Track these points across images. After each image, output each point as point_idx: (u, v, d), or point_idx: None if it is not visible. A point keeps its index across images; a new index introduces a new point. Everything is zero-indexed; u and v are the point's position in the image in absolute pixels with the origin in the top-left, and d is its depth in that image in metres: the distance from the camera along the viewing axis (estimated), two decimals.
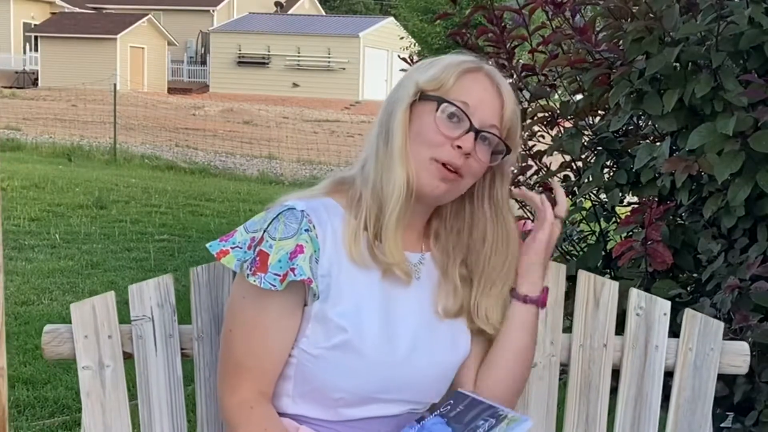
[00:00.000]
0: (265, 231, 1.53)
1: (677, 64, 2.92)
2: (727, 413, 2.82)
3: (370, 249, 1.56)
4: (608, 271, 3.44)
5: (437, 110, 1.55)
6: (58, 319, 5.38)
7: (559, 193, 1.76)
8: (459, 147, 1.54)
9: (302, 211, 1.54)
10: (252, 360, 1.54)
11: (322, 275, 1.53)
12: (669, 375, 1.95)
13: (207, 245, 1.59)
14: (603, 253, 3.39)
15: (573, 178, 3.58)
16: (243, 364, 1.54)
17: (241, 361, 1.54)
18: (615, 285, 1.93)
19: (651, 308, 1.93)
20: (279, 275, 1.50)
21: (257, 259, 1.51)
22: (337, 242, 1.55)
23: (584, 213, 3.55)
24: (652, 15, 2.89)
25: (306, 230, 1.53)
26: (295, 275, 1.49)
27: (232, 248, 1.55)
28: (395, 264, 1.56)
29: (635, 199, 3.28)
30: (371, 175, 1.57)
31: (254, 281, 1.50)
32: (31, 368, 4.46)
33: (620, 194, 3.29)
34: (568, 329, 1.94)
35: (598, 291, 1.93)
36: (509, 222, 1.68)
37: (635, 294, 1.94)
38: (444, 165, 1.55)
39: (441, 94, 1.56)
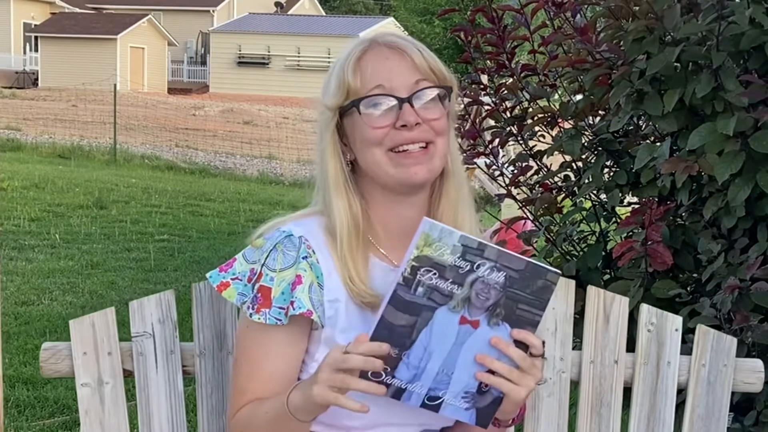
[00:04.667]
0: (263, 264, 1.51)
1: (678, 64, 2.91)
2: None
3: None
4: (608, 271, 3.44)
5: (359, 113, 1.50)
6: (58, 319, 5.38)
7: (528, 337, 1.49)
8: (403, 126, 1.49)
9: (300, 237, 1.52)
10: (255, 385, 1.52)
11: (330, 300, 1.51)
12: (681, 392, 1.93)
13: (207, 275, 1.57)
14: (603, 253, 3.39)
15: (573, 179, 3.58)
16: (247, 390, 1.52)
17: (245, 387, 1.53)
18: (625, 301, 1.91)
19: (662, 324, 1.91)
20: (283, 308, 1.49)
21: (259, 296, 1.50)
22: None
23: (584, 213, 3.55)
24: (653, 15, 2.88)
25: (304, 257, 1.50)
26: (294, 309, 1.48)
27: (232, 280, 1.54)
28: (373, 300, 1.51)
29: (635, 199, 3.28)
30: (329, 207, 1.54)
31: (259, 319, 1.49)
32: (31, 368, 4.46)
33: (620, 195, 3.29)
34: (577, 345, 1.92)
35: (608, 307, 1.90)
36: (458, 160, 1.61)
37: (646, 310, 1.92)
38: (403, 150, 1.50)
39: (354, 97, 1.51)
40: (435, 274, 1.40)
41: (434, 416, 1.56)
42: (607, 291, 1.93)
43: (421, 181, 1.53)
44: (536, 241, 3.83)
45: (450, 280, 1.41)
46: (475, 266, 1.40)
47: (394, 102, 1.50)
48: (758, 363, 1.95)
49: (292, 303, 1.48)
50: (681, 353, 1.92)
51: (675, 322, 1.91)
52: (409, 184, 1.52)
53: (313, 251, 1.51)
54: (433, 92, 1.53)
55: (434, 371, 1.44)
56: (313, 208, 1.59)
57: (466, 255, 1.40)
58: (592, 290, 1.92)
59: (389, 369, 1.42)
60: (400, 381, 1.44)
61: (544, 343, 1.50)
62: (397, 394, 1.45)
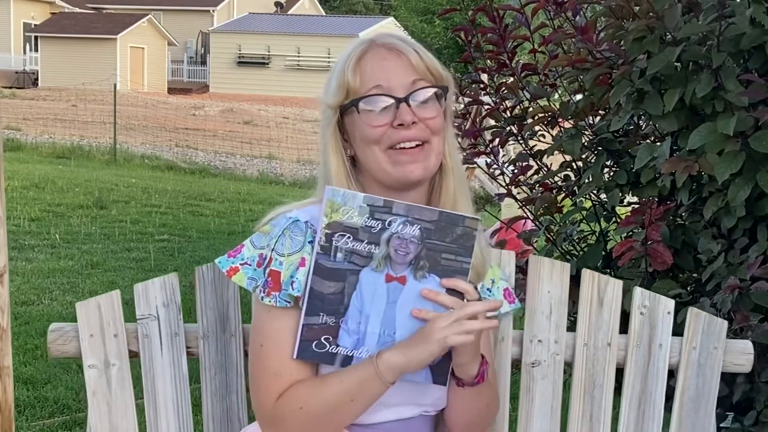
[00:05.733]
0: (272, 249, 1.55)
1: (678, 64, 2.91)
2: (727, 413, 2.82)
3: None
4: (608, 271, 3.43)
5: (358, 112, 1.55)
6: (58, 320, 5.37)
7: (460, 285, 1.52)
8: (400, 125, 1.54)
9: (306, 222, 1.56)
10: (289, 367, 1.53)
11: None
12: (672, 374, 1.95)
13: (216, 261, 1.61)
14: (603, 253, 3.39)
15: (573, 178, 3.58)
16: (282, 372, 1.53)
17: (280, 370, 1.53)
18: (619, 284, 1.93)
19: (655, 307, 1.94)
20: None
21: (269, 279, 1.53)
22: None
23: (584, 213, 3.55)
24: (653, 14, 2.88)
25: (310, 241, 1.54)
26: (293, 290, 1.52)
27: (241, 265, 1.57)
28: None
29: (635, 199, 3.28)
30: None
31: (270, 302, 1.53)
32: (31, 368, 4.46)
33: (620, 194, 3.29)
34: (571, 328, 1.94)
35: (602, 290, 1.93)
36: (456, 156, 1.65)
37: (639, 293, 1.94)
38: (400, 147, 1.55)
39: (353, 97, 1.56)
40: (349, 237, 1.46)
41: (431, 398, 1.59)
42: (601, 275, 1.95)
43: (416, 179, 1.57)
44: (536, 241, 3.83)
45: (365, 241, 1.47)
46: (386, 223, 1.46)
47: (391, 101, 1.55)
48: (748, 344, 1.98)
49: (292, 284, 1.52)
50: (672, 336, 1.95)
51: (667, 305, 1.94)
52: (406, 181, 1.57)
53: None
54: (430, 92, 1.57)
55: (376, 333, 1.48)
56: (315, 198, 1.63)
57: (375, 214, 1.46)
58: (586, 273, 1.95)
59: (331, 338, 1.48)
60: (345, 348, 1.48)
61: (476, 287, 1.55)
62: (345, 362, 1.49)
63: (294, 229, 1.55)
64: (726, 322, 1.95)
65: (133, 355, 1.79)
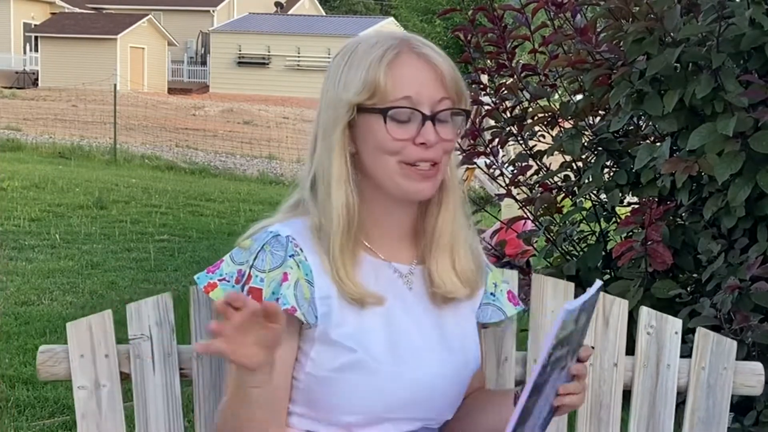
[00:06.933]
0: (252, 266, 1.49)
1: (678, 65, 2.92)
2: None
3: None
4: (608, 271, 3.44)
5: (385, 122, 1.47)
6: (58, 320, 5.38)
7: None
8: (422, 143, 1.48)
9: (287, 236, 1.51)
10: None
11: (321, 297, 1.50)
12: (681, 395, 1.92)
13: (195, 277, 1.55)
14: (603, 253, 3.39)
15: (573, 178, 3.58)
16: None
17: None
18: (624, 303, 1.90)
19: (662, 327, 1.90)
20: None
21: (249, 297, 1.46)
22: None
23: (584, 213, 3.55)
24: (653, 16, 2.89)
25: (292, 256, 1.49)
26: (279, 305, 1.45)
27: (219, 281, 1.52)
28: (361, 297, 1.51)
29: (635, 199, 3.28)
30: (323, 203, 1.52)
31: None
32: (31, 368, 4.46)
33: (620, 194, 3.29)
34: None
35: (607, 310, 1.89)
36: (455, 170, 1.61)
37: (646, 312, 1.91)
38: (417, 164, 1.49)
39: (379, 101, 1.47)
40: (559, 347, 1.36)
41: (435, 411, 1.57)
42: (606, 294, 1.92)
43: (426, 197, 1.53)
44: (536, 241, 3.83)
45: (567, 347, 1.39)
46: (576, 322, 1.38)
47: (419, 116, 1.48)
48: (758, 366, 1.95)
49: (277, 300, 1.46)
50: (681, 355, 1.92)
51: (675, 324, 1.90)
52: (415, 198, 1.53)
53: (300, 249, 1.50)
54: (456, 116, 1.52)
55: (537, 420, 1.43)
56: (296, 211, 1.57)
57: (577, 318, 1.37)
58: None
59: None
60: None
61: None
62: None
63: (275, 244, 1.50)
64: (735, 343, 1.92)
65: (125, 377, 1.73)
